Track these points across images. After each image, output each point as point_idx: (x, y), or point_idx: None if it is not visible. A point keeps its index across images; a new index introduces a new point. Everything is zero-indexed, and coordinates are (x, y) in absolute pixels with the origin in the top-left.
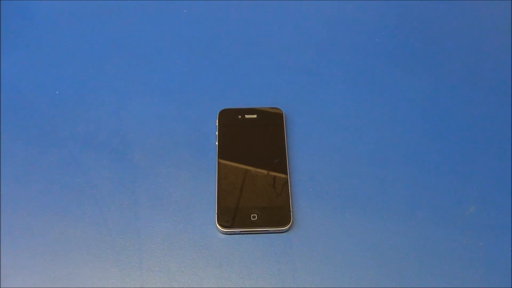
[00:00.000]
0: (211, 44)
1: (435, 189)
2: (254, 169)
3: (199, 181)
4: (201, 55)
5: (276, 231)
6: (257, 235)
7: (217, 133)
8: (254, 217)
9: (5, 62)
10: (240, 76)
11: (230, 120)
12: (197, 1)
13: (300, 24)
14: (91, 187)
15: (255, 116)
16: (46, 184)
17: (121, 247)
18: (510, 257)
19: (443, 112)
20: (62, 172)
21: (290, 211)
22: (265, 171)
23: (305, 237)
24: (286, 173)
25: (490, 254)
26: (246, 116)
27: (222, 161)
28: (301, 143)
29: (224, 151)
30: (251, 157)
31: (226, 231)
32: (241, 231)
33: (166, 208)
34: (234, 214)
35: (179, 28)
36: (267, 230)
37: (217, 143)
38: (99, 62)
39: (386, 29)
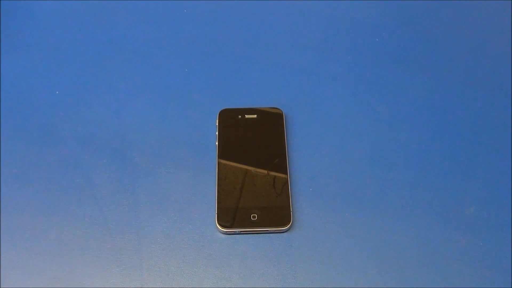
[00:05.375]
0: (211, 44)
1: (435, 189)
2: (254, 169)
3: (199, 181)
4: (201, 55)
5: (276, 231)
6: (257, 235)
7: (217, 133)
8: (254, 217)
9: (5, 62)
10: (240, 76)
11: (230, 120)
12: (197, 1)
13: (300, 24)
14: (91, 187)
15: (255, 116)
16: (46, 184)
17: (121, 247)
18: (510, 257)
19: (443, 112)
20: (62, 172)
21: (290, 211)
22: (265, 171)
23: (305, 237)
24: (286, 173)
25: (490, 254)
26: (246, 116)
27: (222, 161)
28: (301, 143)
29: (224, 151)
30: (251, 157)
31: (226, 231)
32: (241, 231)
33: (166, 208)
34: (234, 214)
35: (179, 28)
36: (267, 230)
37: (217, 143)
38: (99, 62)
39: (386, 29)
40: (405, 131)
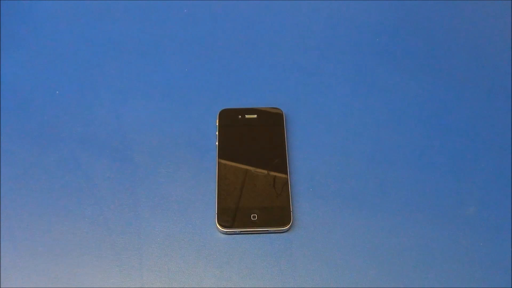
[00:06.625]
0: (211, 44)
1: (435, 189)
2: (254, 169)
3: (199, 181)
4: (201, 55)
5: (276, 231)
6: (257, 235)
7: (217, 133)
8: (254, 217)
9: (5, 62)
10: (240, 76)
11: (230, 120)
12: (197, 1)
13: (300, 24)
14: (91, 187)
15: (255, 116)
16: (46, 184)
17: (121, 247)
18: (510, 257)
19: (443, 112)
20: (62, 172)
21: (290, 211)
22: (265, 171)
23: (305, 237)
24: (286, 173)
25: (490, 254)
26: (246, 116)
27: (222, 161)
28: (301, 143)
29: (224, 151)
30: (251, 157)
31: (226, 231)
32: (241, 231)
33: (166, 208)
34: (234, 214)
35: (179, 28)
36: (267, 230)
37: (217, 143)
38: (99, 62)
39: (386, 29)
40: (405, 131)
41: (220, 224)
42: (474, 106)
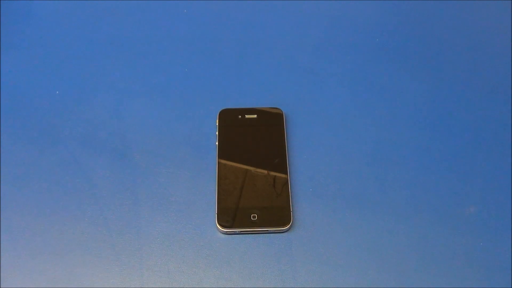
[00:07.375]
0: (211, 44)
1: (435, 189)
2: (254, 169)
3: (199, 181)
4: (201, 55)
5: (276, 231)
6: (257, 235)
7: (217, 133)
8: (254, 217)
9: (5, 62)
10: (240, 76)
11: (230, 120)
12: (197, 1)
13: (300, 24)
14: (91, 187)
15: (255, 116)
16: (46, 184)
17: (121, 247)
18: (510, 257)
19: (443, 112)
20: (62, 172)
21: (290, 211)
22: (265, 171)
23: (305, 237)
24: (286, 173)
25: (490, 254)
26: (246, 116)
27: (222, 161)
28: (301, 143)
29: (224, 151)
30: (251, 157)
31: (226, 231)
32: (241, 231)
33: (166, 208)
34: (234, 214)
35: (179, 28)
36: (267, 230)
37: (217, 143)
38: (99, 62)
39: (386, 29)
40: (405, 131)
41: (220, 224)
42: (474, 106)
